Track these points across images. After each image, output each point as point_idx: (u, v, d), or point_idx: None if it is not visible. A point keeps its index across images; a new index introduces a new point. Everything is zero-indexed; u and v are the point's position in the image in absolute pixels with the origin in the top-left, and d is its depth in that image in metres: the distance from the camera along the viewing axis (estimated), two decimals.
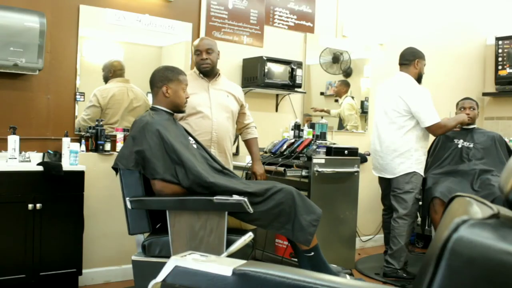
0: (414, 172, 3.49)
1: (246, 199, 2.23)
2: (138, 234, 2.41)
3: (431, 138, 3.78)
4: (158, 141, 2.31)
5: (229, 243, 2.21)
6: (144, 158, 2.28)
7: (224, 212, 2.24)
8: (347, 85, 4.55)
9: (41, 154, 3.08)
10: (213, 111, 3.00)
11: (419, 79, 3.58)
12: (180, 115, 2.82)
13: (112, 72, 3.41)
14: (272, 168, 3.33)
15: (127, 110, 3.45)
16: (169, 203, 2.27)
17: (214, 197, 2.23)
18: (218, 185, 2.30)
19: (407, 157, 3.48)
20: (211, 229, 2.25)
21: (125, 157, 2.30)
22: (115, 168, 2.38)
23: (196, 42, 3.12)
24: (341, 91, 4.54)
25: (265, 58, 3.72)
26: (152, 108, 2.54)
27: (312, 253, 2.48)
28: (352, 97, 4.59)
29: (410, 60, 3.57)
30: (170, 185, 2.31)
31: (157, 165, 2.27)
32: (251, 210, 2.25)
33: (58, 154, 3.07)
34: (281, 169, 3.27)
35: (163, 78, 2.51)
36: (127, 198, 2.29)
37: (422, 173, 3.57)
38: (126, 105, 3.45)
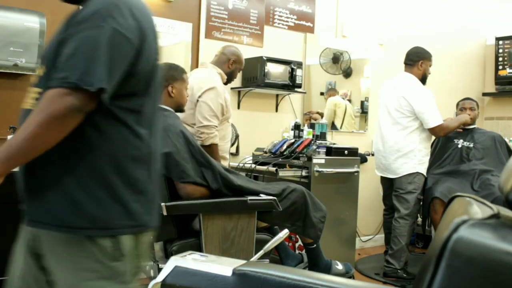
0: (417, 172, 3.49)
1: (276, 199, 2.32)
2: (164, 240, 2.28)
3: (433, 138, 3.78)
4: (183, 143, 2.24)
5: (257, 242, 2.31)
6: (172, 161, 2.18)
7: (254, 212, 2.30)
8: (334, 90, 4.50)
9: None
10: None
11: (423, 79, 3.57)
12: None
13: None
14: (263, 168, 3.33)
15: None
16: (206, 206, 2.23)
17: (248, 198, 2.26)
18: (244, 188, 2.34)
19: (411, 157, 3.47)
20: (241, 229, 2.29)
21: None
22: None
23: (243, 58, 3.18)
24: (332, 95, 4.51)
25: (265, 58, 3.71)
26: None
27: (315, 245, 2.68)
28: (343, 98, 4.52)
29: (414, 61, 3.55)
30: (199, 188, 2.26)
31: (187, 167, 2.20)
32: (280, 208, 2.33)
33: None
34: (273, 169, 3.27)
35: (168, 77, 2.40)
36: (162, 204, 2.10)
37: (425, 174, 3.57)
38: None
